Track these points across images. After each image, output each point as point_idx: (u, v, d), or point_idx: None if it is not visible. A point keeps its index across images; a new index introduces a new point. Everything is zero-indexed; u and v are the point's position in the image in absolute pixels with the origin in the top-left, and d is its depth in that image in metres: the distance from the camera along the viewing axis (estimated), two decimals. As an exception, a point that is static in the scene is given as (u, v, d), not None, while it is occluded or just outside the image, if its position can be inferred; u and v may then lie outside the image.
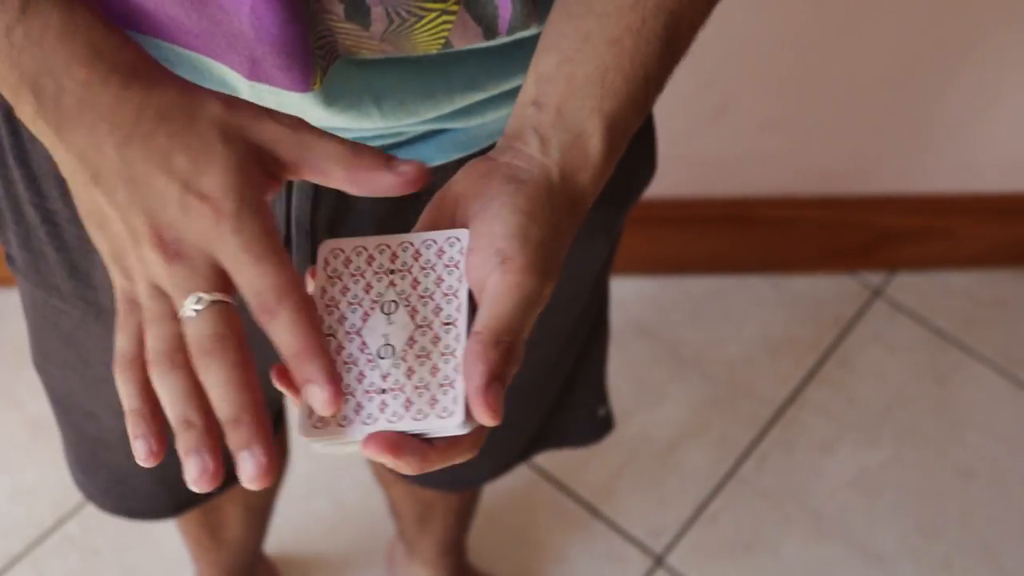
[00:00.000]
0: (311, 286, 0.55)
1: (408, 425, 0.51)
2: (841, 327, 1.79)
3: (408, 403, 0.51)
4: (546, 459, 1.60)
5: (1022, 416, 1.71)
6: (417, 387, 0.52)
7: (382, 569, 1.52)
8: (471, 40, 0.61)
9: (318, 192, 0.72)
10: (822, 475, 1.63)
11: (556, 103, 0.56)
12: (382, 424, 0.51)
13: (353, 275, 0.55)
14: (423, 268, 0.55)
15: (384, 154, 0.52)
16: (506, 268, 0.52)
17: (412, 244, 0.55)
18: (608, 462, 1.61)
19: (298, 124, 0.52)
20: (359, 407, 0.51)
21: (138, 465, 1.04)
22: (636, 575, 1.54)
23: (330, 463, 1.59)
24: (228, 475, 1.16)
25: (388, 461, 0.51)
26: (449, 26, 0.59)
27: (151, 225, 0.50)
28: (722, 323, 1.78)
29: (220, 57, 0.60)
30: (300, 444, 1.54)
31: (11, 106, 0.70)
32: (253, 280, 0.49)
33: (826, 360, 1.75)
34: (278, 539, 1.50)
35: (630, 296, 1.76)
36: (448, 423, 0.51)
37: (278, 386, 0.53)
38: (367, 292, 0.54)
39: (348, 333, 0.53)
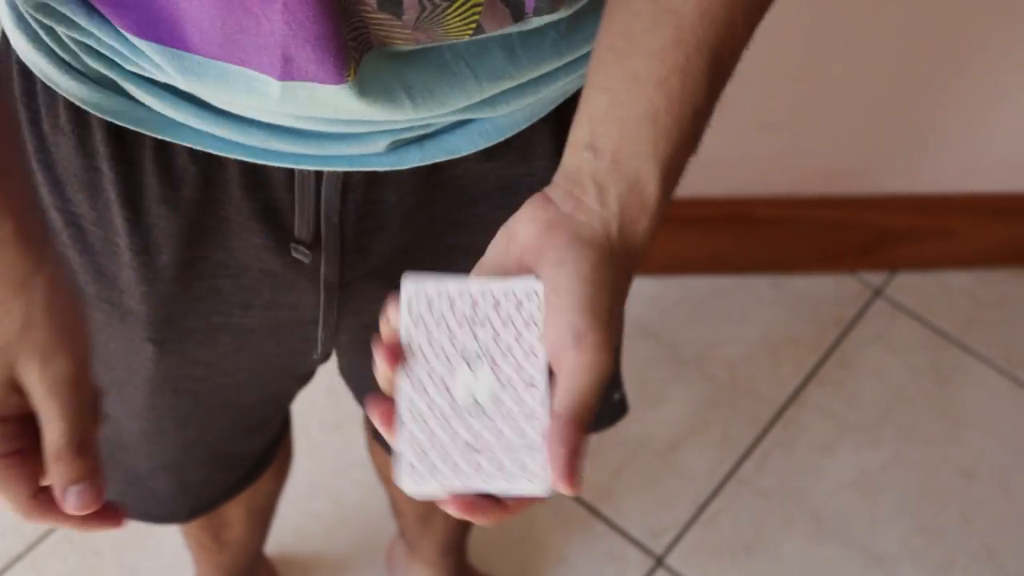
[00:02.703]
0: (395, 318, 0.57)
1: (498, 485, 0.53)
2: (841, 327, 1.79)
3: (501, 465, 0.53)
4: (546, 459, 1.60)
5: (1022, 416, 1.71)
6: (507, 448, 0.54)
7: (382, 569, 1.51)
8: (501, 23, 0.61)
9: (347, 185, 0.72)
10: (822, 475, 1.63)
11: (611, 149, 0.57)
12: (476, 483, 0.53)
13: (437, 322, 0.56)
14: (503, 321, 0.56)
15: (77, 476, 0.55)
16: (581, 347, 0.53)
17: (492, 293, 0.56)
18: (608, 462, 1.61)
19: (54, 389, 0.54)
20: (456, 466, 0.53)
21: (155, 466, 1.04)
22: (636, 575, 1.54)
23: (330, 464, 1.59)
24: (240, 480, 1.16)
25: (467, 518, 0.53)
26: (479, 9, 0.59)
27: None
28: (722, 323, 1.78)
29: (247, 63, 0.60)
30: (301, 445, 1.53)
31: (36, 112, 0.69)
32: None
33: (826, 360, 1.75)
34: (278, 539, 1.50)
35: (630, 296, 1.75)
36: (535, 487, 0.53)
37: (373, 420, 0.55)
38: (451, 342, 0.56)
39: (437, 387, 0.55)
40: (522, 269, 0.57)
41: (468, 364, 0.55)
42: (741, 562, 1.55)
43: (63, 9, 0.62)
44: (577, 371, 0.53)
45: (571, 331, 0.54)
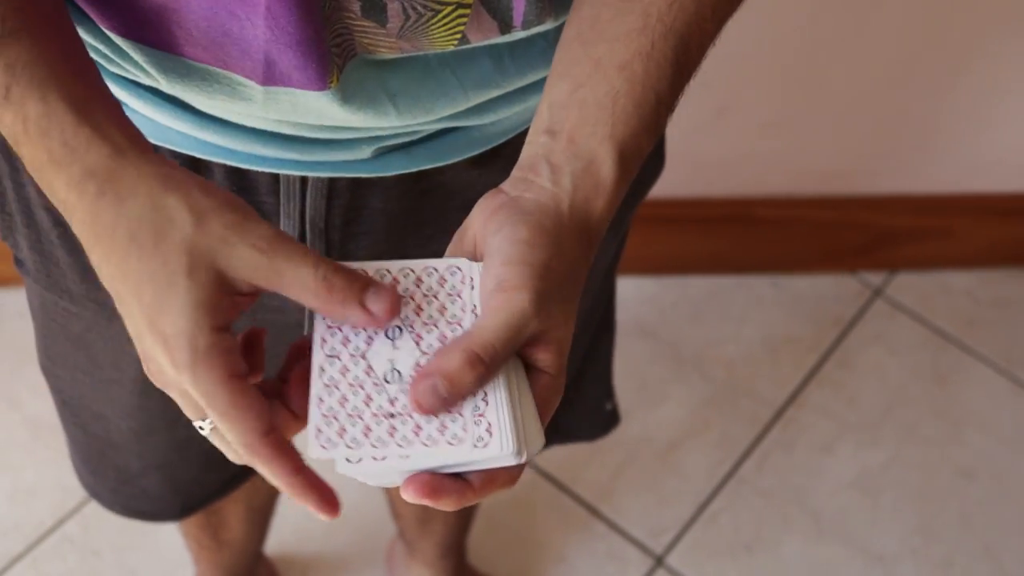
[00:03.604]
0: None
1: (416, 450, 0.52)
2: (841, 327, 1.79)
3: (417, 429, 0.52)
4: (546, 459, 1.60)
5: (1022, 416, 1.71)
6: (449, 411, 0.52)
7: (382, 569, 1.52)
8: (487, 35, 0.61)
9: (332, 190, 0.72)
10: (822, 475, 1.63)
11: (568, 130, 0.56)
12: (392, 448, 0.52)
13: None
14: (426, 295, 0.55)
15: (360, 281, 0.52)
16: (500, 288, 0.52)
17: (413, 271, 0.55)
18: (608, 462, 1.61)
19: (272, 246, 0.50)
20: (368, 429, 0.52)
21: (146, 465, 1.04)
22: (636, 575, 1.54)
23: (330, 464, 1.58)
24: (232, 479, 1.16)
25: (428, 503, 0.52)
26: (465, 20, 0.59)
27: (141, 350, 0.52)
28: (722, 323, 1.78)
29: (231, 67, 0.60)
30: (301, 445, 1.54)
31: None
32: (225, 429, 0.51)
33: (826, 360, 1.75)
34: (278, 539, 1.50)
35: (630, 296, 1.76)
36: (457, 450, 0.52)
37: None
38: None
39: (352, 355, 0.54)
40: (473, 259, 0.56)
41: (387, 335, 0.54)
42: (741, 562, 1.55)
43: None
44: (488, 307, 0.52)
45: (495, 281, 0.53)
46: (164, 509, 1.06)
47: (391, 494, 1.32)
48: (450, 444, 0.52)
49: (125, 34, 0.60)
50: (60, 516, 1.53)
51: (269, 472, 0.51)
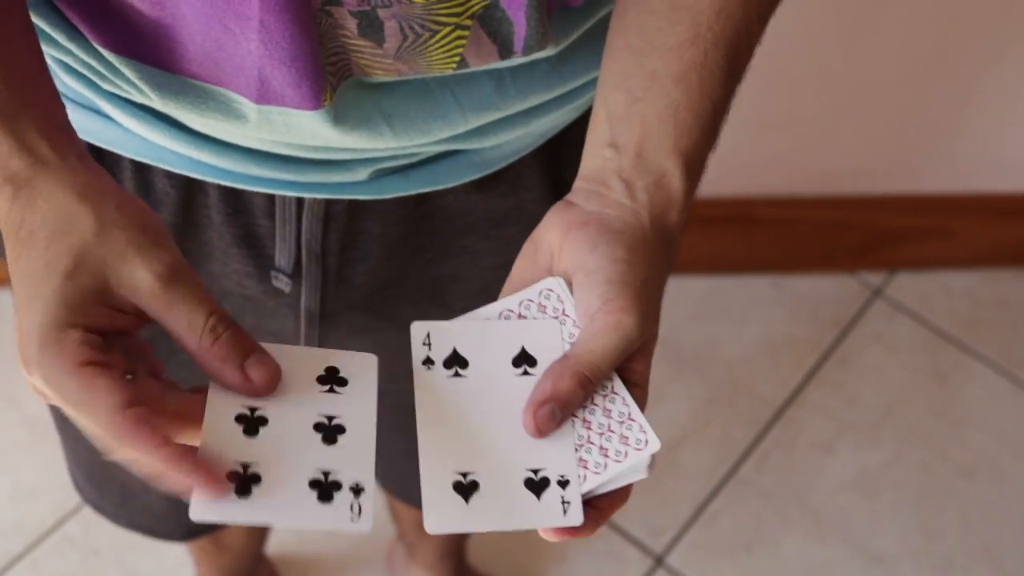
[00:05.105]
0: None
1: (613, 470, 0.52)
2: (841, 327, 1.79)
3: (603, 451, 0.52)
4: (546, 459, 1.60)
5: (1022, 416, 1.71)
6: (601, 432, 0.53)
7: (382, 570, 1.52)
8: (487, 59, 0.60)
9: (329, 214, 0.71)
10: (822, 475, 1.63)
11: (634, 145, 0.56)
12: (591, 479, 0.52)
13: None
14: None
15: (248, 344, 0.50)
16: (607, 309, 0.53)
17: (512, 311, 0.56)
18: (608, 462, 1.61)
19: (173, 278, 0.49)
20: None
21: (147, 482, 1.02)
22: (636, 575, 1.54)
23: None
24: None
25: (570, 538, 0.52)
26: (463, 42, 0.58)
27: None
28: (722, 323, 1.78)
29: (226, 83, 0.59)
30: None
31: None
32: (81, 418, 0.48)
33: (826, 360, 1.75)
34: (278, 540, 1.50)
35: (630, 296, 1.76)
36: (648, 450, 0.52)
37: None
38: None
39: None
40: (551, 273, 0.56)
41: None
42: (741, 562, 1.56)
43: (42, 24, 0.61)
44: (597, 328, 0.53)
45: (600, 300, 0.53)
46: (168, 529, 1.05)
47: (390, 498, 1.32)
48: (638, 449, 0.52)
49: (118, 50, 0.59)
50: (60, 516, 1.53)
51: (137, 449, 0.47)
